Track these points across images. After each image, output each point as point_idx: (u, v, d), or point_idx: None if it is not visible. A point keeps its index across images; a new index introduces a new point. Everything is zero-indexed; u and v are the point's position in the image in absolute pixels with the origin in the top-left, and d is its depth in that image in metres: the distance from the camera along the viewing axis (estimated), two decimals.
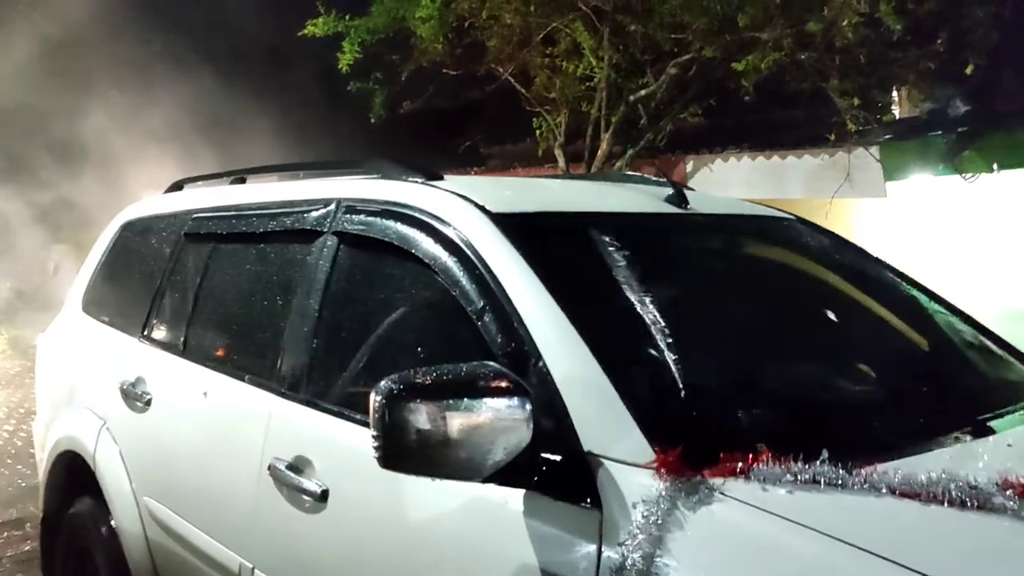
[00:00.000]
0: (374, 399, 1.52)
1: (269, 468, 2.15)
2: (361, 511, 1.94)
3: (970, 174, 7.43)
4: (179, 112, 10.47)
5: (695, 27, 6.84)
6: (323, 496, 1.99)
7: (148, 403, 2.79)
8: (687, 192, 2.49)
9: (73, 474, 3.15)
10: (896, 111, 8.85)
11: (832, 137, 7.36)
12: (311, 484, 2.02)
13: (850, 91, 7.03)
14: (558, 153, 7.81)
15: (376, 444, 1.53)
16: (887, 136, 7.79)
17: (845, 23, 6.51)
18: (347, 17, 7.39)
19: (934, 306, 2.41)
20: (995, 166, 7.22)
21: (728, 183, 7.95)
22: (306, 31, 7.44)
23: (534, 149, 8.37)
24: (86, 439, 3.03)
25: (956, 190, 7.53)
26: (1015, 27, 7.20)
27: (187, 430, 2.61)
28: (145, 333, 3.02)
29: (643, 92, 7.40)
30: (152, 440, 2.76)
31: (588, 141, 7.60)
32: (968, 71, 7.26)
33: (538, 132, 7.82)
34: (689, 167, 7.97)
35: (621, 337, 1.81)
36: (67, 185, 10.54)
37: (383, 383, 1.53)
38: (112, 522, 2.88)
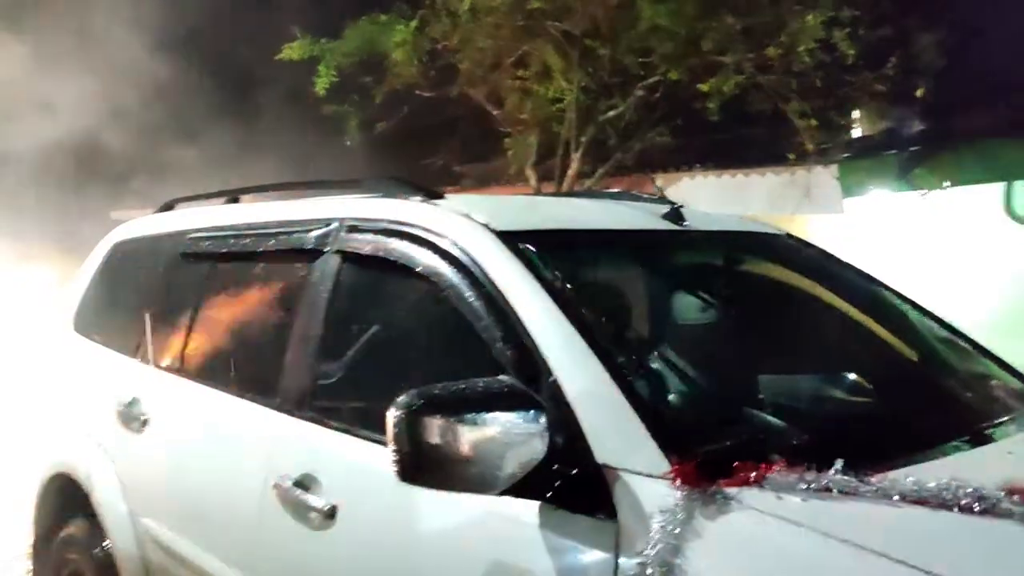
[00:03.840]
0: (392, 414, 1.57)
1: (274, 486, 2.18)
2: (371, 526, 1.98)
3: (924, 190, 7.75)
4: (146, 132, 10.42)
5: (661, 51, 7.03)
6: (331, 513, 2.03)
7: (145, 423, 2.80)
8: (682, 209, 2.57)
9: (65, 497, 3.14)
10: (857, 130, 9.18)
11: (792, 157, 7.64)
12: (318, 501, 2.05)
13: (808, 112, 7.28)
14: (529, 173, 7.93)
15: (395, 458, 1.58)
16: (844, 155, 8.14)
17: (802, 48, 6.78)
18: (322, 41, 7.46)
19: (923, 319, 2.51)
20: (947, 183, 7.54)
21: (695, 200, 8.14)
22: (282, 55, 7.51)
23: (507, 168, 8.49)
24: (79, 461, 3.02)
25: (909, 205, 7.84)
26: (961, 51, 7.54)
27: (187, 450, 2.63)
28: (140, 353, 3.03)
29: (612, 113, 7.56)
30: (150, 460, 2.77)
31: (559, 161, 7.74)
32: (919, 93, 7.60)
33: (510, 152, 7.94)
34: (658, 184, 8.14)
35: (630, 351, 1.88)
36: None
37: (401, 398, 1.58)
38: (106, 544, 2.88)
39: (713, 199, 8.22)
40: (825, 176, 8.09)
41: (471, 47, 7.31)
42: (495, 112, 7.93)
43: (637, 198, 2.97)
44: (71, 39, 9.72)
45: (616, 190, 4.04)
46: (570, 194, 4.31)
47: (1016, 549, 1.34)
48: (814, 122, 7.30)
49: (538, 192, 7.82)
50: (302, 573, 2.13)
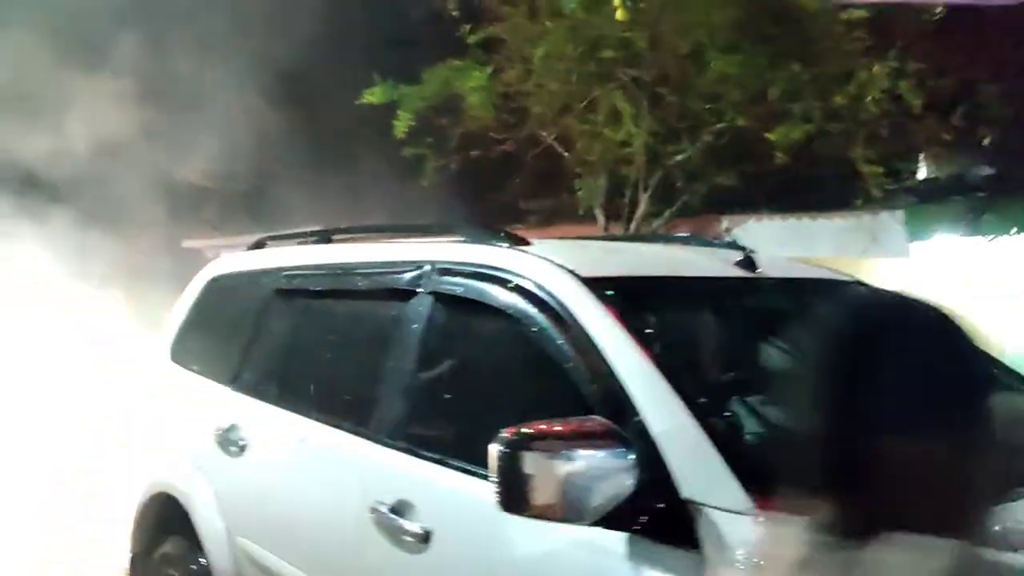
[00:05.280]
0: (495, 449, 1.73)
1: (370, 511, 2.33)
2: (464, 550, 2.13)
3: (991, 235, 7.78)
4: (219, 164, 10.85)
5: (729, 99, 7.18)
6: (425, 537, 2.17)
7: (243, 448, 2.99)
8: (755, 256, 2.67)
9: (164, 515, 3.34)
10: (922, 174, 9.23)
11: (859, 203, 7.74)
12: (413, 526, 2.20)
13: (874, 159, 7.34)
14: (598, 213, 8.10)
15: (496, 490, 1.74)
16: (910, 200, 8.21)
17: (869, 98, 6.86)
18: (401, 86, 7.79)
19: (995, 363, 2.55)
20: (1014, 229, 7.57)
21: (761, 242, 8.20)
22: (363, 99, 7.85)
23: (572, 205, 8.68)
24: (179, 481, 3.23)
25: (976, 250, 7.86)
26: None
27: (284, 474, 2.80)
28: (237, 382, 3.22)
29: (679, 157, 7.71)
30: (247, 483, 2.96)
31: (627, 201, 7.90)
32: (985, 142, 7.66)
33: (579, 193, 8.13)
34: (723, 226, 8.25)
35: (710, 393, 2.00)
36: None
37: (502, 434, 1.74)
38: (203, 561, 3.06)
39: (779, 241, 8.28)
40: (891, 221, 8.23)
41: (543, 91, 7.54)
42: (565, 153, 8.14)
43: (707, 243, 3.09)
44: (152, 77, 10.23)
45: (686, 234, 4.17)
46: (642, 238, 4.44)
47: None
48: (880, 169, 7.37)
49: (606, 230, 7.98)
50: None
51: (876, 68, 6.78)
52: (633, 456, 1.75)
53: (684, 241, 3.23)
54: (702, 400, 1.93)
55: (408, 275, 2.65)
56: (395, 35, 9.78)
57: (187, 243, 13.80)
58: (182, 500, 3.19)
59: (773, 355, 2.45)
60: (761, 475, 1.77)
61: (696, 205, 8.13)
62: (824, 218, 8.43)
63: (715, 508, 1.69)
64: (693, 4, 6.95)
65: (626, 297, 2.19)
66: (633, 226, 7.77)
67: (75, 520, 5.01)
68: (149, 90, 10.32)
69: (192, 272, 4.01)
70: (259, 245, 3.81)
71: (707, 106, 7.34)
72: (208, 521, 3.05)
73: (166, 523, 3.32)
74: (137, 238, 11.25)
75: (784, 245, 8.12)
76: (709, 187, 8.00)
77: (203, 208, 13.26)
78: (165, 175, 10.83)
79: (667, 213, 7.98)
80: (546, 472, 1.70)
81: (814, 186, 8.57)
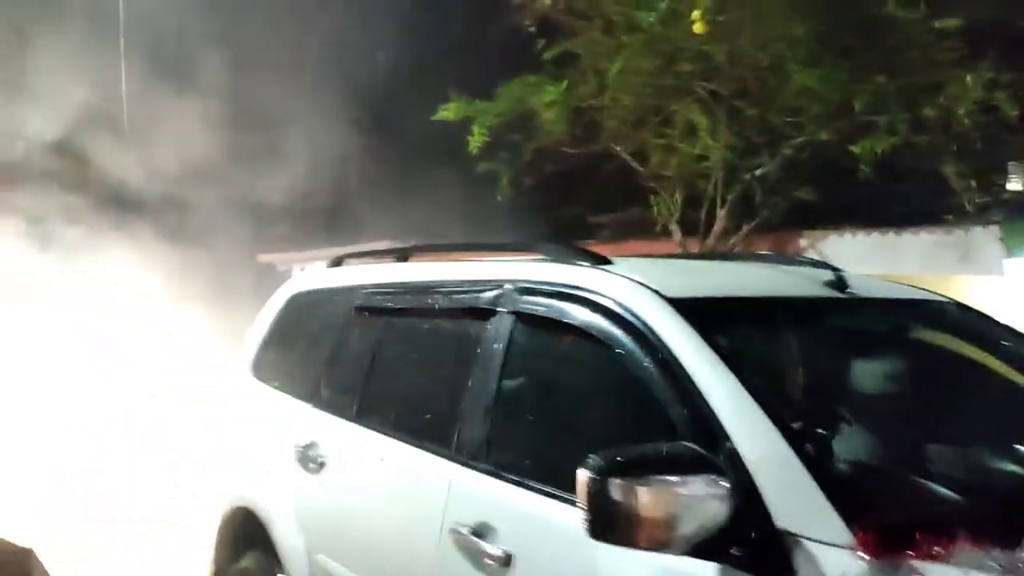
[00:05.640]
0: (583, 475, 1.68)
1: (451, 532, 2.31)
2: (547, 575, 2.08)
3: None
4: (294, 179, 11.09)
5: (810, 112, 7.01)
6: (507, 560, 2.13)
7: (322, 465, 3.00)
8: (845, 275, 2.57)
9: (244, 530, 3.37)
10: (1017, 187, 8.82)
11: (950, 217, 7.43)
12: (495, 549, 2.16)
13: (966, 172, 7.05)
14: (674, 228, 8.00)
15: (584, 516, 1.69)
16: (1006, 215, 7.81)
17: (962, 110, 6.60)
18: (476, 102, 7.84)
19: None
20: None
21: (843, 258, 7.97)
22: (438, 115, 7.93)
23: (645, 219, 8.60)
24: (259, 497, 3.26)
25: None
26: None
27: (363, 492, 2.80)
28: (316, 399, 3.25)
29: (758, 171, 7.56)
30: (326, 500, 2.96)
31: (704, 217, 7.77)
32: None
33: (655, 208, 8.05)
34: (804, 242, 8.06)
35: (804, 418, 1.92)
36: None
37: (591, 460, 1.69)
38: None
39: (862, 258, 8.03)
40: (985, 236, 7.79)
41: (618, 106, 7.49)
42: (639, 168, 8.07)
43: (792, 261, 2.99)
44: (234, 99, 10.55)
45: (767, 252, 4.06)
46: (723, 255, 4.33)
47: None
48: (973, 182, 7.07)
49: (682, 246, 7.86)
50: None
51: (969, 78, 6.51)
52: (725, 484, 1.68)
53: (766, 259, 3.14)
54: (796, 425, 1.86)
55: (488, 294, 2.62)
56: (470, 52, 9.88)
57: (262, 258, 14.15)
58: (262, 516, 3.22)
59: (868, 378, 2.35)
60: (861, 505, 1.69)
61: (775, 221, 7.96)
62: (911, 233, 8.11)
63: (812, 540, 1.62)
64: (773, 16, 6.82)
65: (714, 318, 2.13)
66: (710, 242, 7.64)
67: (157, 534, 5.12)
68: (231, 111, 10.64)
69: (266, 285, 4.07)
70: (338, 263, 3.85)
71: (787, 119, 7.19)
72: (287, 538, 3.07)
73: (246, 538, 3.36)
74: (215, 252, 11.59)
75: (867, 262, 7.86)
76: (789, 202, 7.82)
77: (277, 223, 13.56)
78: (243, 192, 11.14)
79: (745, 229, 7.82)
80: (635, 499, 1.65)
81: (900, 200, 8.30)
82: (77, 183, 10.68)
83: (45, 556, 4.19)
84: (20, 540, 4.30)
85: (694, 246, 7.78)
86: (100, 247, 9.76)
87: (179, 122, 10.21)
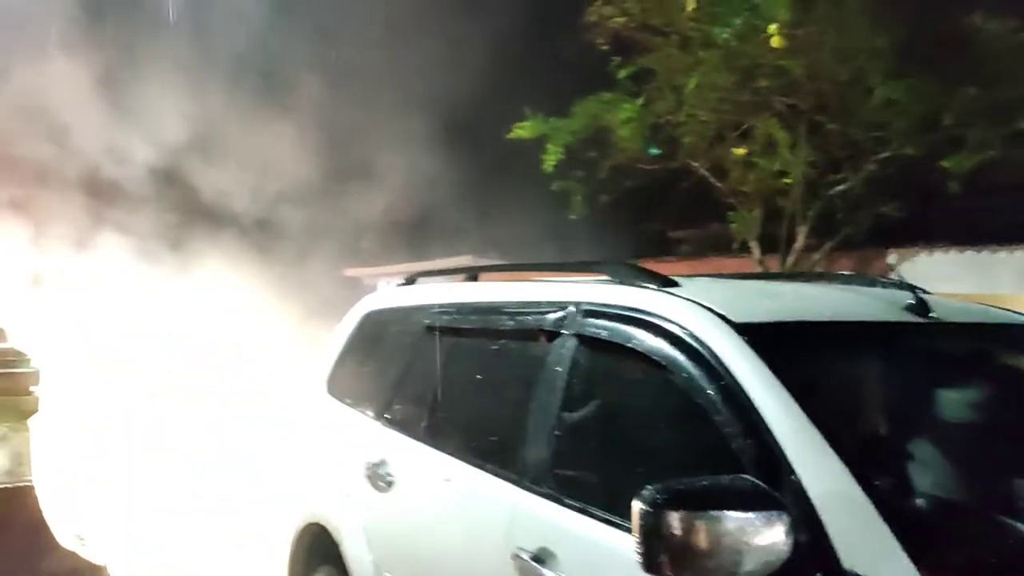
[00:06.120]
0: (637, 507, 1.65)
1: (513, 557, 2.30)
2: None
3: None
4: (378, 195, 11.34)
5: (896, 127, 6.80)
6: None
7: (391, 484, 3.03)
8: (927, 298, 2.46)
9: (316, 545, 3.44)
10: None
11: None
12: None
13: None
14: (753, 245, 7.85)
15: (638, 548, 1.66)
16: None
17: None
18: (551, 120, 7.87)
19: None
20: None
21: (932, 278, 7.70)
22: (513, 134, 7.99)
23: (723, 234, 8.47)
24: (331, 513, 3.32)
25: None
26: None
27: (429, 512, 2.82)
28: (387, 417, 3.29)
29: (840, 187, 7.37)
30: (394, 519, 3.00)
31: (784, 233, 7.61)
32: None
33: (733, 225, 7.92)
34: (890, 260, 7.80)
35: (876, 453, 1.85)
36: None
37: (646, 491, 1.66)
38: None
39: (953, 277, 7.73)
40: None
41: (695, 122, 7.42)
42: (717, 184, 7.96)
43: (873, 282, 2.89)
44: (324, 119, 10.85)
45: (848, 272, 3.93)
46: (803, 276, 4.21)
47: None
48: None
49: (761, 264, 7.70)
50: None
51: None
52: (788, 520, 1.63)
53: (847, 280, 3.03)
54: (867, 460, 1.79)
55: (552, 316, 2.61)
56: (546, 71, 9.93)
57: (348, 272, 14.49)
58: (333, 532, 3.27)
59: (948, 408, 2.25)
60: (934, 548, 1.62)
61: (859, 238, 7.72)
62: (1005, 251, 7.78)
63: None
64: (854, 28, 6.65)
65: (782, 344, 2.07)
66: (791, 259, 7.46)
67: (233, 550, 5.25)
68: (322, 132, 10.97)
69: (353, 299, 4.16)
70: (410, 281, 3.90)
71: (871, 134, 6.99)
72: (357, 555, 3.11)
73: (319, 553, 3.41)
74: (305, 266, 11.92)
75: (958, 281, 7.56)
76: (873, 218, 7.58)
77: (363, 238, 13.87)
78: (332, 208, 11.45)
79: (827, 246, 7.62)
80: (692, 533, 1.62)
81: (994, 216, 7.95)
82: (180, 203, 11.20)
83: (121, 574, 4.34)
84: (95, 558, 4.47)
85: (774, 264, 7.62)
86: (201, 262, 10.18)
87: (274, 144, 10.58)
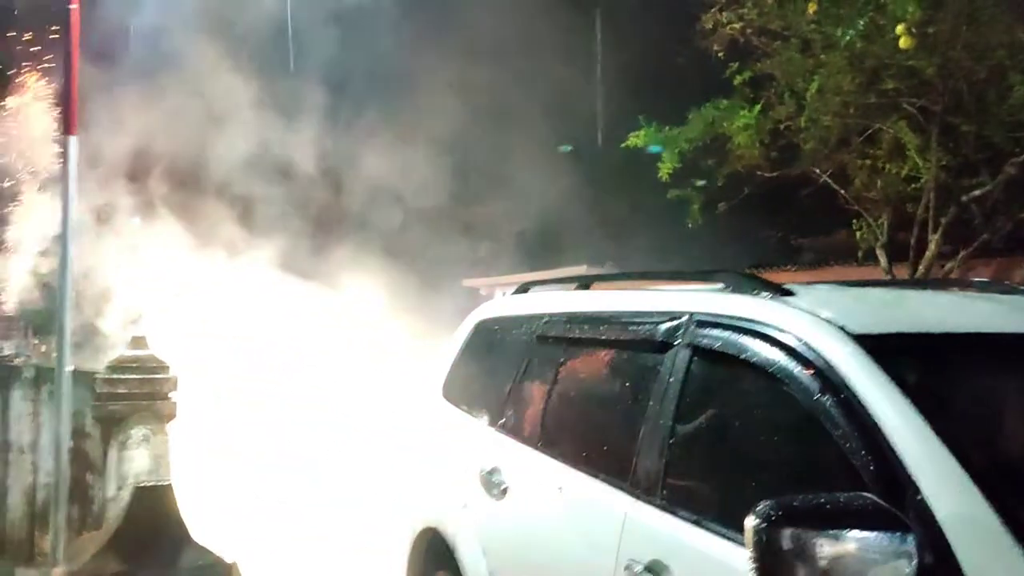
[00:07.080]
0: (751, 522, 1.62)
1: (625, 568, 2.29)
2: None
3: None
4: (496, 207, 11.50)
5: None
6: None
7: (504, 491, 3.06)
8: None
9: (433, 550, 3.51)
10: None
11: None
12: None
13: None
14: (880, 253, 7.52)
15: (753, 565, 1.62)
16: None
17: None
18: (666, 128, 7.79)
19: None
20: None
21: None
22: (628, 143, 7.94)
23: (848, 242, 8.15)
24: (447, 519, 3.38)
25: None
26: None
27: (542, 521, 2.84)
28: (500, 424, 3.33)
29: (977, 192, 6.97)
30: (508, 527, 3.03)
31: (914, 241, 7.25)
32: None
33: (858, 233, 7.61)
34: None
35: (1010, 474, 1.75)
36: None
37: (761, 507, 1.62)
38: None
39: None
40: None
41: (817, 127, 7.18)
42: (841, 191, 7.67)
43: (1012, 290, 2.72)
44: (446, 136, 11.14)
45: (985, 280, 3.71)
46: (933, 283, 3.99)
47: None
48: None
49: (889, 273, 7.37)
50: None
51: None
52: (912, 541, 1.56)
53: (982, 287, 2.86)
54: (999, 480, 1.69)
55: (665, 326, 2.59)
56: (662, 80, 9.87)
57: (466, 282, 14.78)
58: (448, 538, 3.33)
59: None
60: None
61: (998, 244, 7.28)
62: None
63: None
64: (991, 22, 6.28)
65: (904, 356, 1.98)
66: (922, 268, 7.10)
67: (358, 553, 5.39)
68: (449, 148, 11.27)
69: (470, 309, 4.25)
70: (523, 290, 3.93)
71: (1009, 134, 6.58)
72: (472, 561, 3.15)
73: (435, 559, 3.48)
74: (427, 276, 12.22)
75: None
76: (1013, 224, 7.14)
77: (479, 248, 14.12)
78: (452, 219, 11.72)
79: (962, 254, 7.22)
80: (808, 552, 1.57)
81: None
82: (315, 215, 11.78)
83: (248, 571, 4.53)
84: (227, 554, 4.69)
85: (904, 273, 7.27)
86: (335, 272, 10.62)
87: (403, 158, 10.97)
